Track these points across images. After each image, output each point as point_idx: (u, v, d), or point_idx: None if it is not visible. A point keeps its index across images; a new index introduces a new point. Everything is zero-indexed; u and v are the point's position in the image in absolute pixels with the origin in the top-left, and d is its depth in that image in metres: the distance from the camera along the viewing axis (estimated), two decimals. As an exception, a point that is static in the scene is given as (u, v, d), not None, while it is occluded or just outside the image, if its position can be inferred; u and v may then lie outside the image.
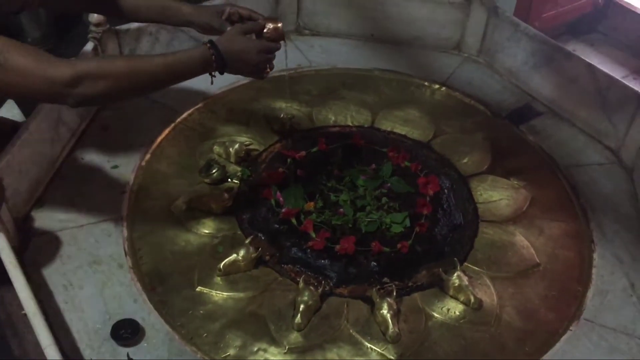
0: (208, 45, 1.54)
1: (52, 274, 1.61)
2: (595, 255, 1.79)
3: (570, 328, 1.59)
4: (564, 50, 2.26)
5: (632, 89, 2.06)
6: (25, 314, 1.45)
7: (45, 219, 1.75)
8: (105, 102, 1.60)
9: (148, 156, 1.99)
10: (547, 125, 2.26)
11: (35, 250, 1.67)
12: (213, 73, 1.60)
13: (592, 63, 2.18)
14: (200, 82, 2.27)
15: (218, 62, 1.55)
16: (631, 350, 1.54)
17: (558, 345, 1.55)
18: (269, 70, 1.67)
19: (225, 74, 1.63)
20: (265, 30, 1.66)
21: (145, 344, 1.48)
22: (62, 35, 2.40)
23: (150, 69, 1.47)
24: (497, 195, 1.96)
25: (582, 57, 2.22)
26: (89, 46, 2.07)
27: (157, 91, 1.74)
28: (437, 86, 2.42)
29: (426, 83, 2.44)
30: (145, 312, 1.55)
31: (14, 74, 1.31)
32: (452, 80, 2.46)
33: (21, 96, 1.46)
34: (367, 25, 2.62)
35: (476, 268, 1.74)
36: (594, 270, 1.75)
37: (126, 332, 1.47)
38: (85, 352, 1.45)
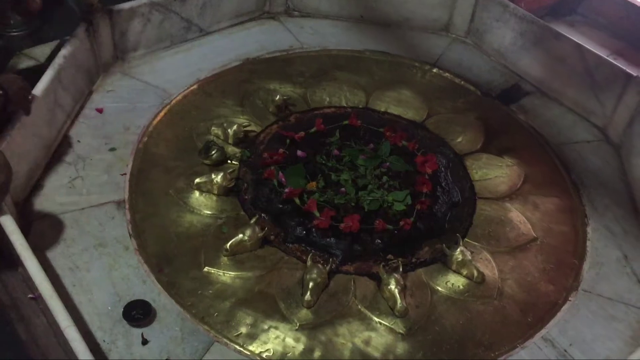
0: None
1: (57, 257, 1.60)
2: (588, 229, 1.85)
3: (570, 298, 1.65)
4: (552, 30, 2.31)
5: (619, 68, 2.12)
6: (31, 298, 1.44)
7: (46, 202, 1.73)
8: None
9: (145, 138, 1.98)
10: (536, 105, 2.31)
11: (38, 234, 1.65)
12: None
13: (581, 43, 2.23)
14: (193, 64, 2.29)
15: None
16: (628, 318, 1.61)
17: (559, 315, 1.61)
18: None
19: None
20: None
21: (158, 324, 1.48)
22: (45, 18, 2.35)
23: None
24: (492, 173, 2.00)
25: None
26: (82, 28, 2.04)
27: None
28: (427, 67, 2.45)
29: (417, 64, 2.46)
30: (155, 293, 1.55)
31: None
32: (442, 60, 2.49)
33: None
34: (357, 6, 2.63)
35: (476, 243, 1.78)
36: (588, 243, 1.81)
37: (138, 313, 1.48)
38: (97, 334, 1.45)
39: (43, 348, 1.40)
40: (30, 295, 1.46)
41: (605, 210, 1.91)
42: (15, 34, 2.26)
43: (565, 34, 2.28)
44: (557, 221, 1.87)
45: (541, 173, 2.04)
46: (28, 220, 1.68)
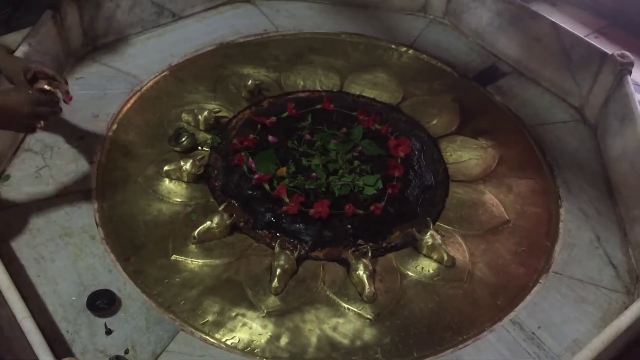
0: None
1: (22, 247, 1.58)
2: (562, 211, 1.84)
3: (540, 281, 1.64)
4: (528, 9, 2.27)
5: (595, 47, 2.09)
6: (-4, 290, 1.42)
7: (12, 192, 1.71)
8: None
9: (115, 126, 1.95)
10: (513, 86, 2.29)
11: (3, 224, 1.63)
12: None
13: (556, 22, 2.20)
14: (165, 49, 2.26)
15: None
16: (598, 299, 1.60)
17: (529, 297, 1.60)
18: (41, 125, 1.50)
19: None
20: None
21: (123, 314, 1.47)
22: (16, 4, 2.31)
23: None
24: (466, 155, 1.99)
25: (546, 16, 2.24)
26: (48, 14, 2.00)
27: None
28: (404, 49, 2.42)
29: (393, 46, 2.43)
30: (120, 282, 1.54)
31: None
32: (419, 42, 2.46)
33: None
34: (333, -13, 2.60)
35: (448, 227, 1.77)
36: (561, 225, 1.80)
37: (102, 302, 1.47)
38: (61, 324, 1.44)
39: (7, 339, 1.39)
40: (-6, 287, 1.44)
41: (579, 191, 1.90)
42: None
43: (542, 14, 2.25)
44: (531, 203, 1.86)
45: (516, 155, 2.02)
46: (-6, 210, 1.66)
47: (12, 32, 2.14)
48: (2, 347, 1.37)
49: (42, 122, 1.49)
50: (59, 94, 1.61)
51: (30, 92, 1.51)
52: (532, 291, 1.62)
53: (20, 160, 1.80)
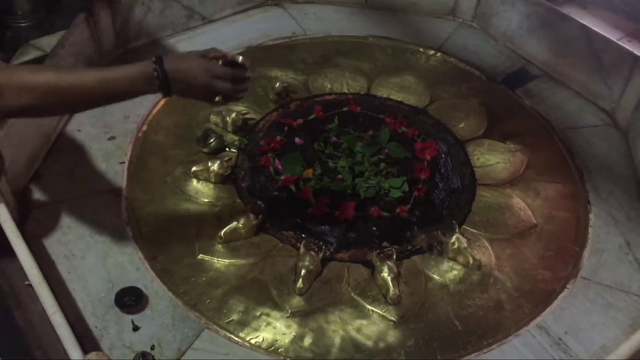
0: (153, 60, 1.32)
1: (53, 244, 1.62)
2: (591, 216, 1.81)
3: (567, 286, 1.62)
4: (558, 12, 2.25)
5: (627, 50, 2.06)
6: (28, 285, 1.46)
7: (44, 191, 1.76)
8: (33, 116, 1.44)
9: (145, 127, 1.99)
10: (543, 89, 2.26)
11: (35, 222, 1.67)
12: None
13: (587, 25, 2.17)
14: (195, 52, 2.28)
15: (161, 80, 1.32)
16: (627, 306, 1.57)
17: (556, 303, 1.58)
18: (219, 99, 1.42)
19: None
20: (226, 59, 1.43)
21: (149, 311, 1.50)
22: (52, 7, 2.37)
23: (82, 84, 1.28)
24: (493, 159, 1.97)
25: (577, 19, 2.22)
26: (81, 17, 2.05)
27: (93, 108, 1.50)
28: (432, 52, 2.42)
29: (421, 49, 2.43)
30: (147, 280, 1.56)
31: None
32: (447, 45, 2.45)
33: None
34: (362, -9, 2.61)
35: (474, 230, 1.75)
36: (590, 230, 1.77)
37: (130, 299, 1.49)
38: (90, 320, 1.46)
39: (38, 334, 1.43)
40: (26, 282, 1.48)
41: (609, 196, 1.87)
42: (22, 24, 2.29)
43: (573, 16, 2.23)
44: (559, 208, 1.84)
45: (545, 159, 2.00)
46: (27, 208, 1.70)
47: (47, 35, 2.21)
48: (33, 343, 1.41)
49: (220, 97, 1.41)
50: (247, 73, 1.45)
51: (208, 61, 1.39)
52: (559, 296, 1.60)
53: (53, 160, 1.84)
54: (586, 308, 1.57)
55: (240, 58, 1.43)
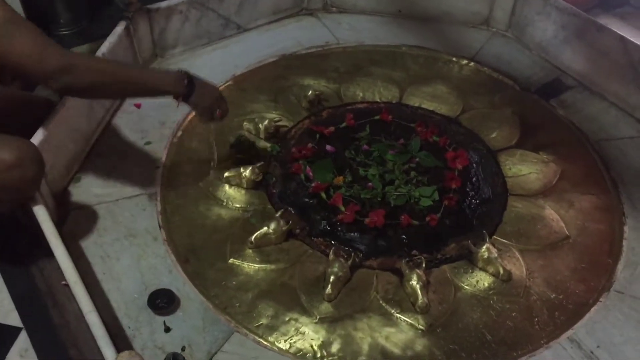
0: (184, 71, 1.68)
1: (89, 246, 1.67)
2: (625, 228, 1.78)
3: (600, 299, 1.60)
4: (595, 23, 2.23)
5: (665, 61, 2.03)
6: (65, 285, 1.50)
7: (82, 193, 1.81)
8: (87, 96, 1.71)
9: (180, 133, 2.03)
10: (578, 100, 2.24)
11: (73, 223, 1.72)
12: (179, 98, 1.69)
13: (625, 36, 2.15)
14: (229, 61, 2.33)
15: (188, 87, 1.66)
16: (662, 321, 1.54)
17: (588, 315, 1.56)
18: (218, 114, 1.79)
19: None
20: None
21: (181, 313, 1.52)
22: (93, 16, 2.44)
23: (130, 74, 1.62)
24: (526, 169, 1.96)
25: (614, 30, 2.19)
26: (121, 26, 2.11)
27: (128, 98, 2.01)
28: (465, 61, 2.41)
29: (454, 59, 2.42)
30: (179, 282, 1.59)
31: (15, 46, 1.39)
32: (480, 55, 2.44)
33: (14, 68, 1.51)
34: (395, 1, 2.61)
35: (505, 241, 1.74)
36: (624, 243, 1.74)
37: (162, 301, 1.52)
38: (123, 320, 1.50)
39: (74, 332, 1.47)
40: (63, 282, 1.52)
41: (645, 209, 1.84)
42: (64, 32, 2.37)
43: (610, 27, 2.20)
44: (593, 219, 1.81)
45: (579, 170, 1.97)
46: (65, 210, 1.76)
47: (88, 43, 2.28)
48: (68, 341, 1.45)
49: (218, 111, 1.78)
50: None
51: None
52: (592, 309, 1.58)
53: (92, 164, 1.90)
54: (619, 322, 1.54)
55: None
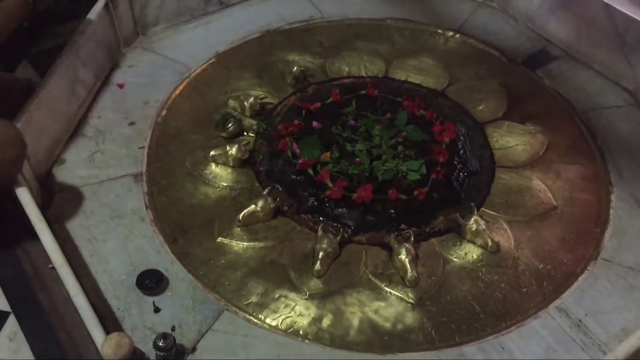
0: None
1: (76, 228, 1.65)
2: (612, 197, 1.79)
3: (588, 268, 1.61)
4: (581, -9, 2.21)
5: (651, 29, 2.02)
6: (51, 268, 1.49)
7: (67, 175, 1.79)
8: None
9: (164, 112, 2.01)
10: (564, 69, 2.23)
11: (59, 206, 1.71)
12: None
13: (610, 3, 2.13)
14: (212, 37, 2.30)
15: None
16: (649, 288, 1.56)
17: (576, 284, 1.57)
18: None
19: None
20: None
21: (170, 293, 1.52)
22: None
23: None
24: (513, 141, 1.95)
25: (600, -2, 2.17)
26: (101, 3, 2.06)
27: None
28: (451, 33, 2.39)
29: (440, 30, 2.40)
30: (168, 262, 1.58)
31: None
32: (466, 26, 2.42)
33: None
34: (379, -27, 2.58)
35: (493, 212, 1.75)
36: (611, 212, 1.75)
37: (151, 282, 1.52)
38: (112, 302, 1.49)
39: (62, 315, 1.46)
40: (50, 265, 1.51)
41: (632, 177, 1.84)
42: (44, 11, 2.32)
43: (595, -5, 2.18)
44: (580, 189, 1.82)
45: (565, 140, 1.97)
46: (50, 193, 1.74)
47: (67, 22, 2.23)
48: (57, 324, 1.44)
49: None
50: None
51: None
52: (580, 278, 1.59)
53: (75, 145, 1.87)
54: (607, 290, 1.56)
55: None
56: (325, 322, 1.49)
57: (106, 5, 2.08)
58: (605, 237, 1.68)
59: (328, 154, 1.80)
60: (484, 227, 1.65)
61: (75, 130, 1.91)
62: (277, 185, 1.79)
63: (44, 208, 1.65)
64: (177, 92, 2.08)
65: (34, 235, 1.54)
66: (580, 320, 1.49)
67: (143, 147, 1.88)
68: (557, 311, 1.51)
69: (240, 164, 1.84)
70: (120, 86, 2.08)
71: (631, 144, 1.94)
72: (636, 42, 2.06)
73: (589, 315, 1.50)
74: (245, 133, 1.95)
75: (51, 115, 1.79)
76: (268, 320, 1.49)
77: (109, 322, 1.44)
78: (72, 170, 1.80)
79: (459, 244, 1.67)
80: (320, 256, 1.58)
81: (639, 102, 2.08)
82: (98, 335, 1.27)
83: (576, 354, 1.43)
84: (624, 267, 1.61)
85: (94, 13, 2.03)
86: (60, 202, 1.72)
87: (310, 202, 1.73)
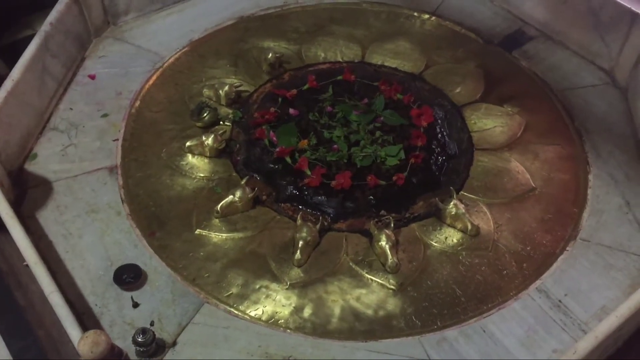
0: None
1: (50, 224, 1.62)
2: (590, 177, 1.80)
3: (567, 248, 1.62)
4: (555, -30, 2.20)
5: (625, 7, 2.00)
6: (26, 265, 1.46)
7: (40, 170, 1.75)
8: None
9: (137, 103, 1.97)
10: (540, 50, 2.23)
11: (32, 202, 1.67)
12: None
13: (585, -18, 2.13)
14: (185, 25, 2.26)
15: None
16: (628, 266, 1.57)
17: (555, 265, 1.58)
18: None
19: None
20: None
21: (149, 287, 1.50)
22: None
23: None
24: (491, 123, 1.95)
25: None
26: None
27: None
28: (427, 16, 2.37)
29: (416, 13, 2.38)
30: (146, 256, 1.56)
31: None
32: (442, 9, 2.40)
33: None
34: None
35: (472, 196, 1.74)
36: (589, 191, 1.76)
37: (129, 276, 1.50)
38: (90, 298, 1.47)
39: (39, 313, 1.44)
40: (24, 263, 1.48)
41: (608, 156, 1.85)
42: (12, 3, 2.26)
43: (569, -26, 2.18)
44: (558, 170, 1.82)
45: (543, 121, 1.97)
46: (23, 188, 1.70)
47: (35, 13, 2.18)
48: (34, 322, 1.42)
49: None
50: None
51: None
52: (559, 259, 1.59)
53: (47, 139, 1.83)
54: (586, 269, 1.57)
55: None
56: (307, 311, 1.48)
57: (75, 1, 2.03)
58: (584, 217, 1.69)
59: (305, 141, 1.78)
60: (464, 210, 1.65)
61: (46, 123, 1.88)
62: (255, 175, 1.77)
63: (16, 204, 1.62)
64: (151, 82, 2.04)
65: (7, 233, 1.51)
66: (560, 301, 1.50)
67: (117, 139, 1.85)
68: (537, 292, 1.52)
69: (217, 153, 1.82)
70: (92, 77, 2.04)
71: (607, 123, 1.95)
72: (611, 20, 2.06)
73: (569, 295, 1.51)
74: (221, 122, 1.92)
75: (21, 108, 1.75)
76: (249, 312, 1.47)
77: (87, 318, 1.42)
78: (44, 164, 1.77)
79: (439, 228, 1.66)
80: (300, 245, 1.57)
81: (614, 80, 2.09)
82: (74, 334, 1.25)
83: (557, 334, 1.44)
84: (602, 246, 1.62)
85: (62, 3, 1.98)
86: (34, 197, 1.68)
87: (289, 190, 1.71)
